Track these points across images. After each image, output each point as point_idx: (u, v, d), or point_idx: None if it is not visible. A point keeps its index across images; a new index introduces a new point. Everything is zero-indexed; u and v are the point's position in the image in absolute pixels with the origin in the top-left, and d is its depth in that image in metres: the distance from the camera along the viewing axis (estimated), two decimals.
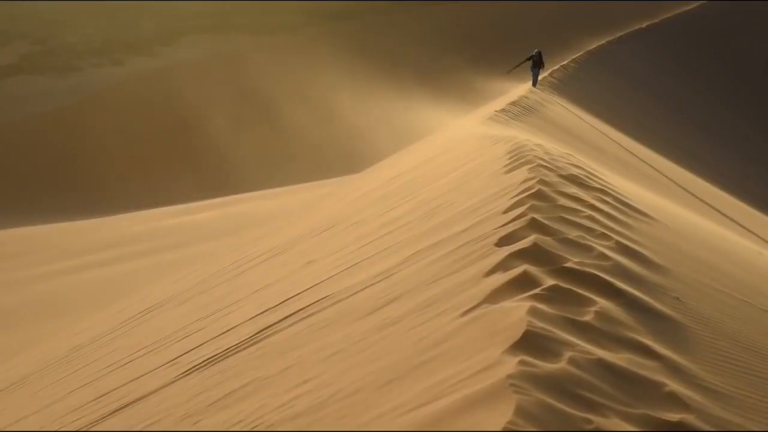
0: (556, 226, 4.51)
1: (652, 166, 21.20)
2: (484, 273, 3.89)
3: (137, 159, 47.35)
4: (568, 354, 2.75)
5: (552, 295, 3.33)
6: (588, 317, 3.22)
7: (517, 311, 3.12)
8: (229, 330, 6.16)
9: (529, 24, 61.43)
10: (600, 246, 4.30)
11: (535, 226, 4.44)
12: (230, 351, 5.39)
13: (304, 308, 5.48)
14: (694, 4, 61.46)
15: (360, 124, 50.02)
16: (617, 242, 4.59)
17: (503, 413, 2.29)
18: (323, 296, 5.55)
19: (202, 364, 5.39)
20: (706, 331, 3.91)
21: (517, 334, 2.84)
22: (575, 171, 7.06)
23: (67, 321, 16.53)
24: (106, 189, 44.53)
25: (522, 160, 7.18)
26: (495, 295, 3.46)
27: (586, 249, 4.19)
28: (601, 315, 3.30)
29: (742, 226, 16.36)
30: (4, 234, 34.26)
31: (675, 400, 2.69)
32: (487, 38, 59.85)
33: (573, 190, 5.82)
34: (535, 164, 6.71)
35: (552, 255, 3.94)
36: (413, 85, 53.98)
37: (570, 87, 32.70)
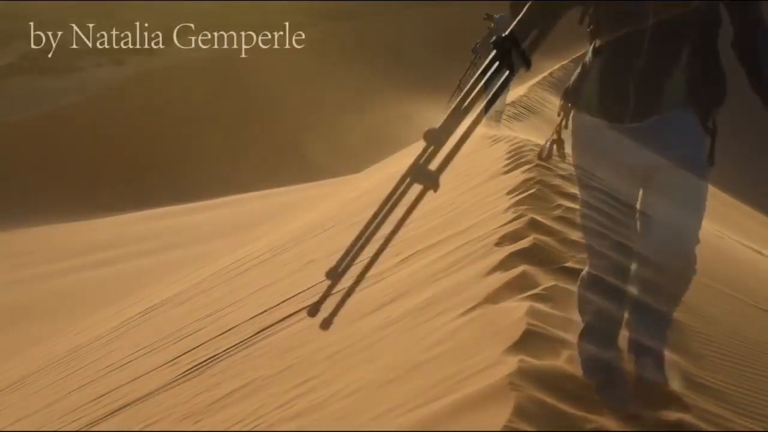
0: (555, 226, 4.51)
1: None
2: (483, 273, 3.90)
3: (137, 159, 47.36)
4: (567, 353, 2.76)
5: (551, 295, 3.34)
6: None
7: (516, 311, 3.13)
8: (229, 330, 6.17)
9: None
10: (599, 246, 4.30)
11: (534, 226, 4.45)
12: (230, 351, 5.39)
13: (304, 308, 5.48)
14: (693, 5, 61.46)
15: (361, 124, 50.01)
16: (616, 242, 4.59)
17: (503, 413, 2.29)
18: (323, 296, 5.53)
19: (202, 364, 5.40)
20: (705, 330, 3.92)
21: (517, 333, 2.85)
22: (575, 170, 7.05)
23: (67, 321, 16.53)
24: (105, 189, 44.54)
25: (521, 160, 7.19)
26: (495, 295, 3.47)
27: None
28: (600, 315, 3.30)
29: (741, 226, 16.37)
30: (3, 234, 34.26)
31: (674, 399, 2.69)
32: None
33: (572, 190, 5.82)
34: (534, 164, 6.72)
35: (551, 255, 3.95)
36: (413, 84, 53.97)
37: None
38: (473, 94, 2.13)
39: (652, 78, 2.58)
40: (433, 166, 2.14)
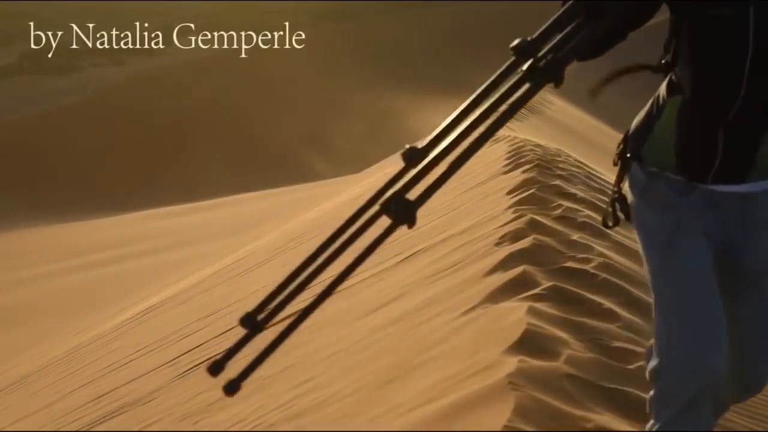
0: (555, 226, 4.51)
1: None
2: (483, 273, 3.90)
3: (138, 159, 47.36)
4: (566, 353, 2.76)
5: (551, 295, 3.34)
6: (586, 317, 3.22)
7: (516, 311, 3.13)
8: (229, 330, 6.17)
9: (530, 24, 61.42)
10: (599, 246, 4.31)
11: (534, 226, 4.45)
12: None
13: (303, 308, 5.48)
14: None
15: (361, 125, 50.01)
16: (616, 242, 4.60)
17: (502, 413, 2.29)
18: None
19: (202, 364, 5.40)
20: None
21: (516, 334, 2.85)
22: (574, 171, 7.07)
23: (67, 321, 16.53)
24: (105, 189, 44.54)
25: (521, 160, 7.19)
26: (494, 295, 3.47)
27: (585, 249, 4.20)
28: (600, 315, 3.30)
29: None
30: (3, 234, 34.26)
31: None
32: (488, 38, 59.90)
33: (572, 190, 5.82)
34: (534, 164, 6.72)
35: (551, 255, 3.95)
36: (413, 84, 53.98)
37: (569, 87, 32.67)
38: (480, 109, 1.58)
39: (750, 129, 1.94)
40: (413, 195, 1.59)
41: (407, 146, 1.57)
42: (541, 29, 1.59)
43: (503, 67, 1.58)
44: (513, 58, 1.56)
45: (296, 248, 10.06)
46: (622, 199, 2.14)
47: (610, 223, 2.17)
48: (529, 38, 1.58)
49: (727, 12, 1.85)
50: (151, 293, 13.68)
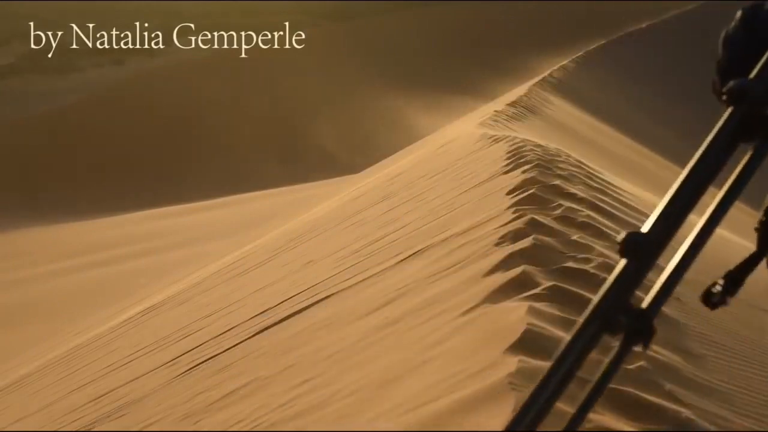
0: (555, 226, 4.51)
1: (651, 165, 21.17)
2: (483, 273, 3.89)
3: (137, 159, 47.36)
4: None
5: (551, 295, 3.34)
6: None
7: (516, 311, 3.13)
8: (229, 330, 6.17)
9: (530, 23, 61.45)
10: (599, 246, 4.30)
11: (534, 226, 4.45)
12: (230, 351, 5.39)
13: (304, 308, 5.49)
14: (695, 4, 61.46)
15: (361, 125, 50.01)
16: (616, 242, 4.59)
17: (502, 413, 2.29)
18: (323, 296, 5.55)
19: (202, 364, 5.40)
20: (706, 330, 3.92)
21: (517, 334, 2.84)
22: (574, 171, 7.07)
23: (67, 321, 16.53)
24: (106, 189, 44.54)
25: (521, 160, 7.19)
26: (495, 295, 3.47)
27: (586, 249, 4.20)
28: None
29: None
30: (3, 234, 34.27)
31: (673, 399, 2.69)
32: (488, 38, 59.87)
33: (572, 190, 5.82)
34: (534, 164, 6.72)
35: (551, 255, 3.95)
36: (413, 84, 53.97)
37: (569, 87, 32.67)
38: (704, 173, 1.19)
39: None
40: (639, 299, 1.16)
41: (625, 233, 1.15)
42: (763, 60, 1.20)
43: (722, 122, 1.19)
44: (730, 108, 1.17)
45: (296, 248, 10.06)
46: (737, 281, 1.81)
47: (712, 304, 1.79)
48: (749, 77, 1.18)
49: None
50: (151, 293, 13.68)
